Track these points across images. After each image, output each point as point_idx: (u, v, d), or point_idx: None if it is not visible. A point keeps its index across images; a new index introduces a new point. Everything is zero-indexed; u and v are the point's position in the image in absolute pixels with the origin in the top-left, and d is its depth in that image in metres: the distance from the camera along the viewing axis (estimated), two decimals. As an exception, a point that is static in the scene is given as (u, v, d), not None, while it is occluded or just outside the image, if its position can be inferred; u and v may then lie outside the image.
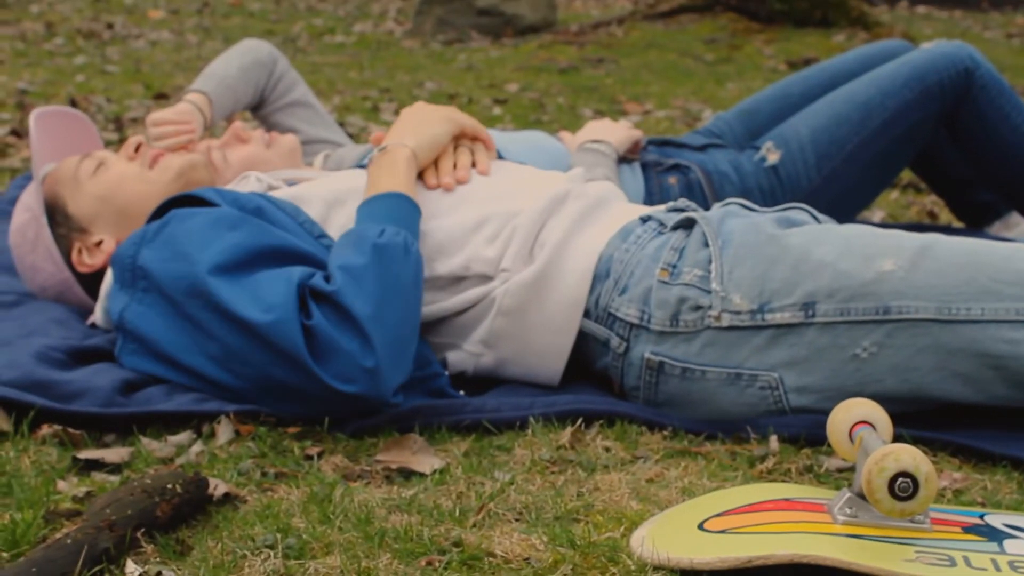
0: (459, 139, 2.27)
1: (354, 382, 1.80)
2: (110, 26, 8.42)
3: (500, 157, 2.40)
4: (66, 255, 2.33)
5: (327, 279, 1.87)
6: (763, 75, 6.44)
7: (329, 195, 2.15)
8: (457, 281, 2.07)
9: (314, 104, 3.06)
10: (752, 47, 7.17)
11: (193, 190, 2.09)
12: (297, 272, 1.87)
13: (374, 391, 1.82)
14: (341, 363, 1.80)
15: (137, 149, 2.39)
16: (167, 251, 1.93)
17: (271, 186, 2.26)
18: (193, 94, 2.77)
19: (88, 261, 2.32)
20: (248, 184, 2.27)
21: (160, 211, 2.08)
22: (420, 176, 2.18)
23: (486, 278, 2.06)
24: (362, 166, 2.32)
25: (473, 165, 2.23)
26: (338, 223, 2.12)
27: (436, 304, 2.07)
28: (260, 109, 3.00)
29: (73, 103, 5.12)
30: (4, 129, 4.54)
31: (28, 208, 2.35)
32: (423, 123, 2.21)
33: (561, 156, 2.75)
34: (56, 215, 2.33)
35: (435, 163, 2.20)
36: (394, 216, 1.99)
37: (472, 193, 2.15)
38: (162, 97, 5.47)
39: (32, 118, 2.50)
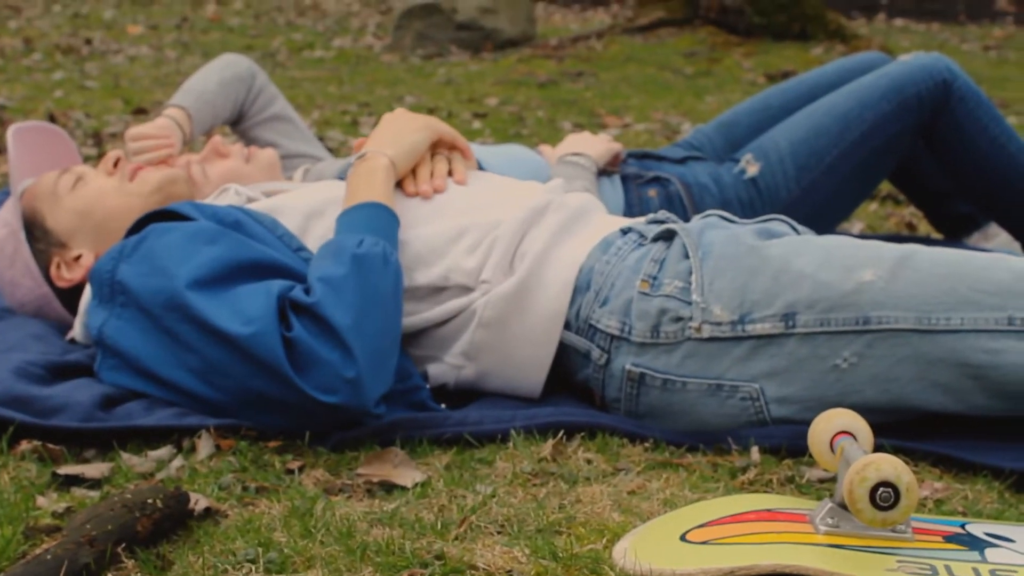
0: (437, 147, 2.27)
1: (335, 392, 1.80)
2: (88, 42, 8.40)
3: (480, 168, 2.40)
4: (45, 270, 2.32)
5: (307, 291, 1.87)
6: (742, 88, 6.46)
7: (307, 207, 2.15)
8: (437, 291, 2.07)
9: (293, 118, 3.06)
10: (731, 60, 7.19)
11: (171, 205, 2.09)
12: (276, 285, 1.87)
13: (356, 401, 1.81)
14: (322, 374, 1.80)
15: (116, 164, 2.38)
16: (145, 266, 1.93)
17: (250, 198, 2.26)
18: (172, 109, 2.76)
19: (67, 276, 2.31)
20: (227, 197, 2.26)
21: (138, 226, 2.07)
22: (399, 185, 2.18)
23: (466, 289, 2.06)
24: (342, 178, 2.32)
25: (450, 174, 2.23)
26: (316, 234, 2.11)
27: (416, 315, 2.06)
28: (239, 124, 2.99)
29: (52, 118, 5.11)
30: (-17, 145, 4.52)
31: (6, 223, 2.34)
32: (402, 131, 2.21)
33: (540, 169, 2.75)
34: (35, 230, 2.33)
35: (413, 171, 2.20)
36: (373, 226, 1.99)
37: (451, 203, 2.15)
38: (141, 112, 5.46)
39: (10, 133, 2.49)
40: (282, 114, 3.02)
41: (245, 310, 1.83)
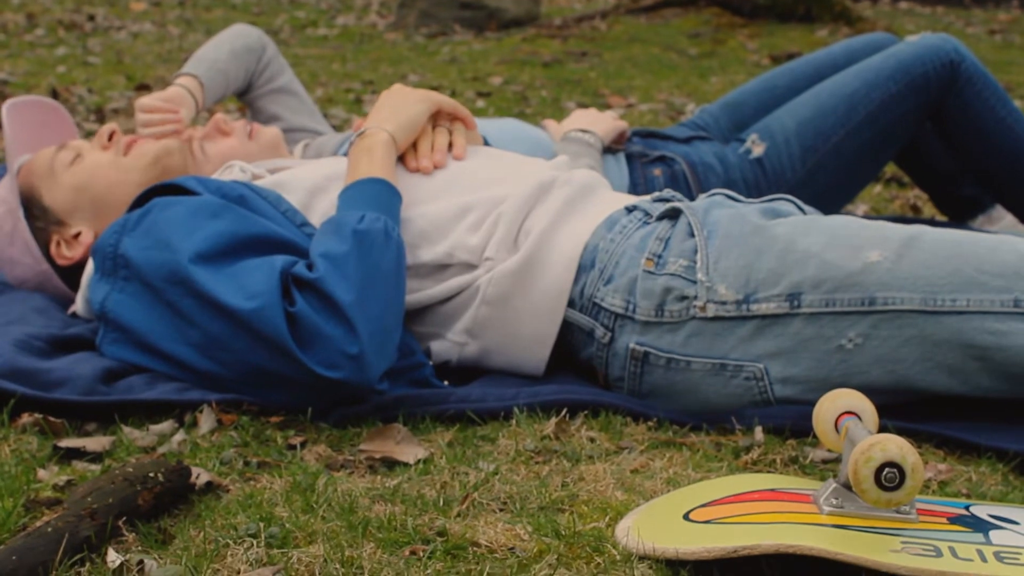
0: (439, 118, 2.26)
1: (338, 368, 1.79)
2: (91, 18, 8.38)
3: (486, 143, 2.39)
4: (44, 248, 2.31)
5: (309, 267, 1.86)
6: (746, 69, 6.43)
7: (310, 183, 2.14)
8: (441, 269, 2.06)
9: (299, 92, 3.04)
10: (735, 41, 7.17)
11: (175, 179, 2.07)
12: (280, 260, 1.86)
13: (359, 377, 1.81)
14: (325, 349, 1.79)
15: (111, 137, 2.37)
16: (149, 239, 1.92)
17: (255, 175, 2.25)
18: (184, 78, 2.74)
19: (67, 254, 2.30)
20: (232, 173, 2.25)
21: (141, 200, 2.06)
22: (401, 159, 2.17)
23: (470, 266, 2.05)
24: (343, 154, 2.31)
25: (451, 147, 2.21)
26: (320, 210, 2.11)
27: (420, 292, 2.05)
28: (246, 94, 2.98)
29: (55, 94, 5.10)
30: (-16, 119, 4.50)
31: (4, 201, 2.33)
32: (401, 105, 2.20)
33: (545, 144, 2.74)
34: (33, 208, 2.31)
35: (414, 145, 2.19)
36: (374, 202, 1.98)
37: (456, 180, 2.14)
38: (144, 88, 5.45)
39: (5, 108, 2.47)
40: (289, 87, 3.01)
41: (248, 285, 1.82)
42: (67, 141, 2.41)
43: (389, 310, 1.88)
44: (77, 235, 2.30)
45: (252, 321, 1.79)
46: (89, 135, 4.19)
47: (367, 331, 1.81)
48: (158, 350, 1.92)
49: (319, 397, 1.84)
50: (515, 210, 2.05)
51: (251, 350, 1.82)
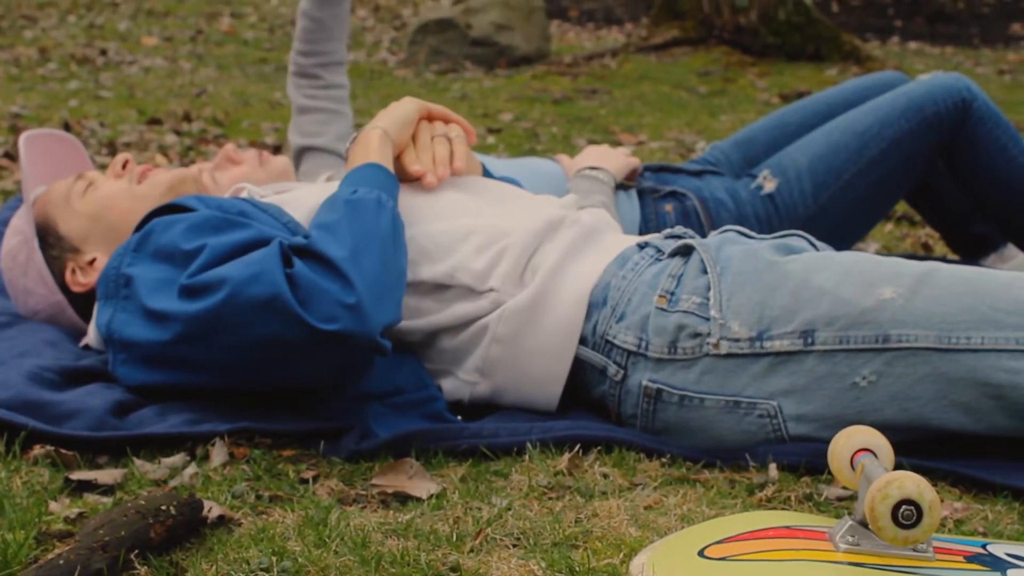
0: (432, 121, 2.28)
1: (336, 320, 1.80)
2: (103, 52, 8.42)
3: (486, 173, 2.39)
4: (59, 277, 2.31)
5: (305, 238, 1.90)
6: (756, 108, 6.45)
7: (313, 201, 2.14)
8: (441, 289, 2.05)
9: (349, 120, 3.04)
10: (745, 80, 7.18)
11: (175, 200, 2.08)
12: (277, 238, 1.90)
13: (358, 327, 1.81)
14: (323, 303, 1.80)
15: (124, 166, 2.37)
16: (153, 255, 1.94)
17: (262, 196, 2.26)
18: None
19: (82, 280, 2.30)
20: (239, 195, 2.26)
21: (143, 223, 2.06)
22: (398, 160, 2.19)
23: (471, 291, 2.04)
24: None
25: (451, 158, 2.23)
26: None
27: (423, 317, 2.05)
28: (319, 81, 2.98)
29: (67, 127, 5.11)
30: (-2, 152, 4.53)
31: (19, 231, 2.34)
32: (389, 109, 2.24)
33: (560, 180, 2.74)
34: (48, 237, 2.32)
35: (412, 141, 2.22)
36: (369, 181, 2.03)
37: (461, 203, 2.15)
38: (156, 122, 5.47)
39: (22, 141, 2.48)
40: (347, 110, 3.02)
41: (248, 259, 1.85)
42: (82, 172, 2.42)
43: (387, 268, 1.91)
44: (92, 261, 2.30)
45: (254, 285, 1.81)
46: (102, 168, 4.20)
47: (363, 283, 1.83)
48: (167, 357, 1.90)
49: (326, 366, 1.85)
50: (522, 245, 2.05)
51: (253, 322, 1.81)
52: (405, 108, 2.23)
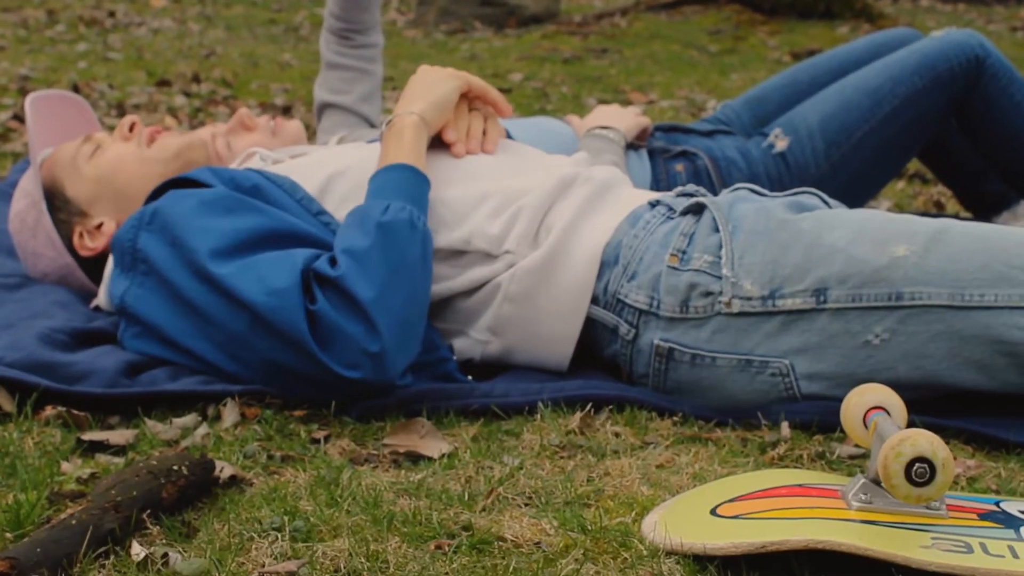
0: (470, 97, 2.25)
1: (358, 368, 1.79)
2: (112, 14, 8.39)
3: (509, 137, 2.37)
4: (67, 240, 2.31)
5: (332, 262, 1.85)
6: (767, 66, 6.41)
7: (330, 167, 2.13)
8: (457, 255, 2.04)
9: (379, 83, 3.01)
10: (756, 38, 7.14)
11: (189, 172, 2.07)
12: (301, 256, 1.85)
13: (379, 375, 1.80)
14: (345, 349, 1.78)
15: (131, 128, 2.36)
16: (165, 235, 1.92)
17: (275, 160, 2.24)
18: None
19: (90, 244, 2.29)
20: (253, 161, 2.25)
21: (156, 193, 2.06)
22: (439, 135, 2.16)
23: (488, 256, 2.03)
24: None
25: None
26: (338, 194, 2.09)
27: (439, 282, 2.04)
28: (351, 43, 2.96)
29: (76, 89, 5.10)
30: (6, 114, 4.52)
31: (27, 194, 2.33)
32: (429, 86, 2.18)
33: (569, 140, 2.73)
34: (55, 200, 2.31)
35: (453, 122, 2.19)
36: (401, 190, 1.97)
37: (477, 167, 2.13)
38: (164, 84, 5.45)
39: (28, 102, 2.46)
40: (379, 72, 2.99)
41: (269, 281, 1.81)
42: (90, 134, 2.41)
43: (413, 304, 1.87)
44: (99, 225, 2.29)
45: (272, 319, 1.79)
46: (111, 130, 4.19)
47: (388, 328, 1.80)
48: (179, 345, 1.92)
49: (340, 394, 1.84)
50: (537, 204, 2.04)
51: (271, 348, 1.81)
52: (446, 89, 2.18)
